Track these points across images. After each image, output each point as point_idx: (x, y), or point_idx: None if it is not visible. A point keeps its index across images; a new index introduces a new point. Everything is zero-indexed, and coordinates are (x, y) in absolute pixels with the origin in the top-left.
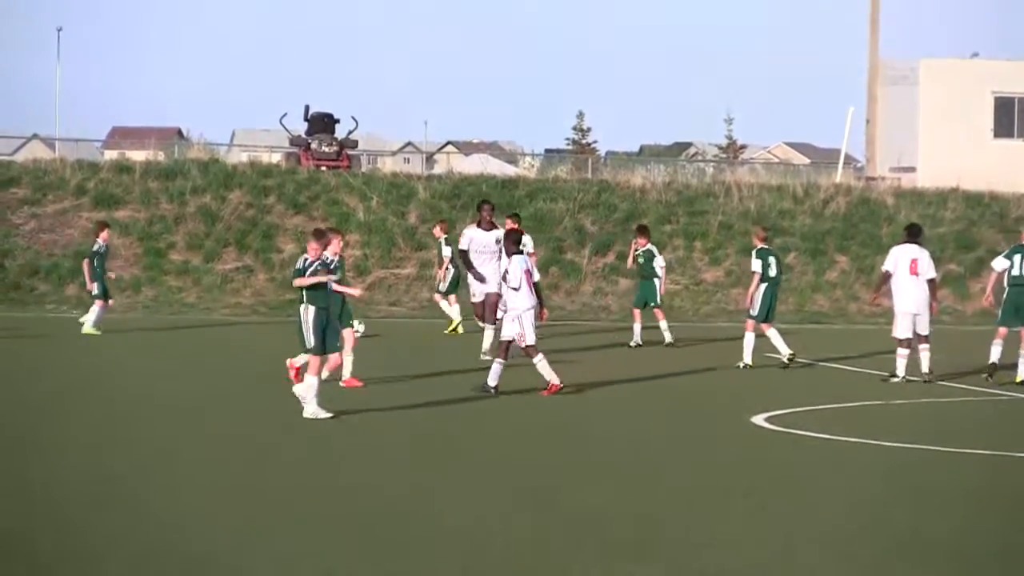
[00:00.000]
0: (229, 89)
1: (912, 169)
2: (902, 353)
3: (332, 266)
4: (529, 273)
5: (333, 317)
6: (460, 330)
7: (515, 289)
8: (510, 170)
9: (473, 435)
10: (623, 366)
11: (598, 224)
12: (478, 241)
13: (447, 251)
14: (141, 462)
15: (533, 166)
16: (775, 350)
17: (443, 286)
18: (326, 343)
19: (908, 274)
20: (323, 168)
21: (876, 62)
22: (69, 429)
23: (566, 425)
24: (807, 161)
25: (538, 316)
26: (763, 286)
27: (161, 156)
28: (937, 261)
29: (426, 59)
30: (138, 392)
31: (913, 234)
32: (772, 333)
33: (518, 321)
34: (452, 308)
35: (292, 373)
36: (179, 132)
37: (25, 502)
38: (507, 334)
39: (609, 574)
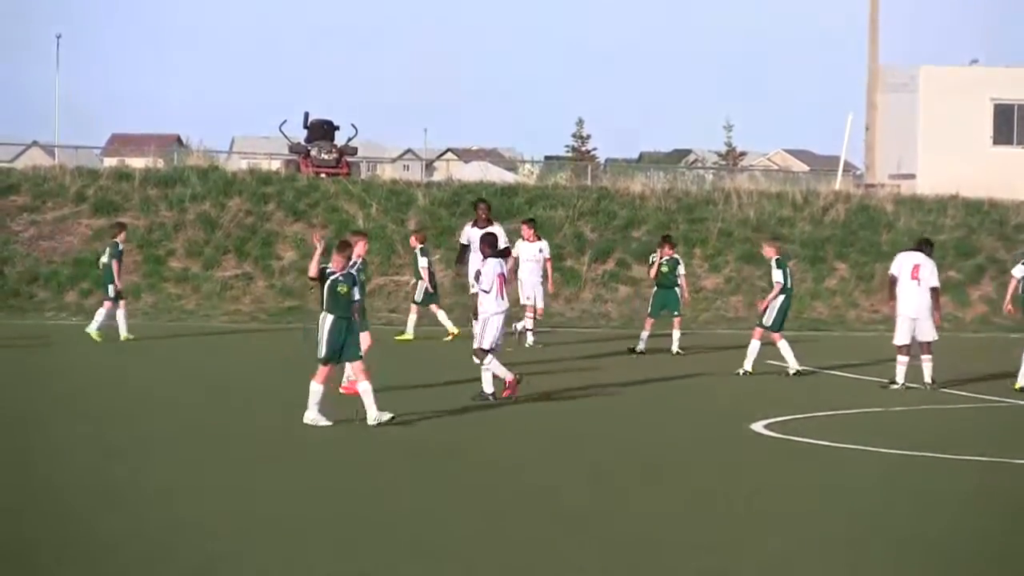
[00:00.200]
0: (228, 96)
1: (911, 176)
2: (901, 360)
3: (356, 269)
4: (503, 277)
5: (354, 326)
6: (411, 337)
7: (486, 292)
8: (509, 177)
9: (472, 439)
10: (623, 372)
11: (597, 231)
12: (474, 239)
13: (423, 261)
14: (140, 467)
15: (532, 173)
16: (780, 358)
17: (419, 296)
18: (343, 352)
19: (909, 279)
20: (322, 175)
21: (875, 69)
22: (69, 435)
23: (566, 429)
24: (806, 168)
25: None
26: (780, 296)
27: (160, 163)
28: (937, 268)
29: (425, 66)
30: (138, 398)
31: (920, 243)
32: (783, 344)
33: (484, 324)
34: (412, 318)
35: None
36: (178, 139)
37: (27, 506)
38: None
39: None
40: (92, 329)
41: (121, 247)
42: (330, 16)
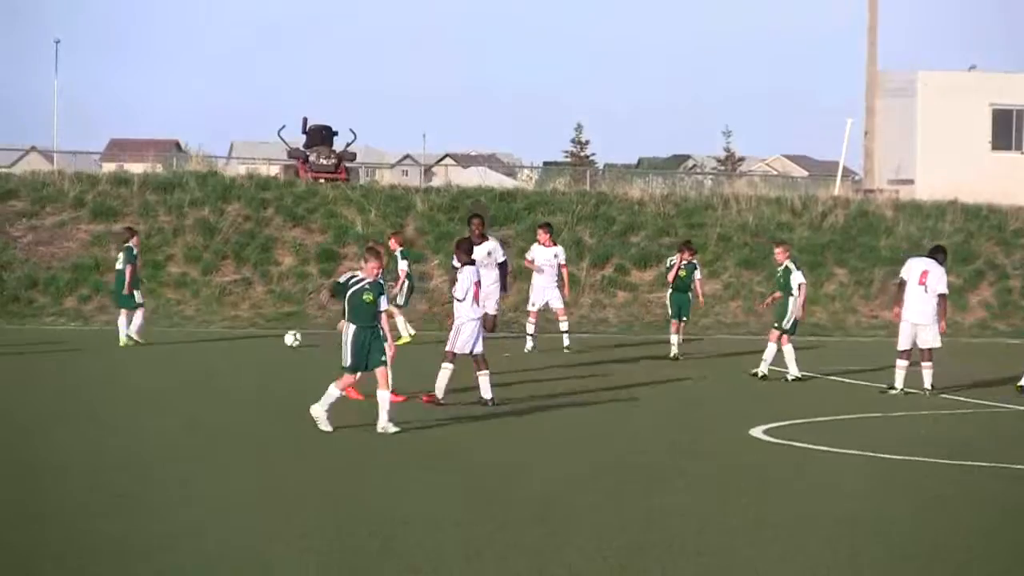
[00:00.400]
0: (227, 101)
1: (910, 181)
2: (900, 364)
3: (381, 282)
4: (479, 285)
5: (378, 334)
6: (409, 337)
7: (459, 300)
8: (508, 182)
9: (471, 442)
10: (622, 377)
11: (596, 236)
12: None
13: (403, 264)
14: (141, 472)
15: (531, 178)
16: (782, 363)
17: (401, 299)
18: (369, 360)
19: (916, 284)
20: (321, 180)
21: (874, 74)
22: (71, 439)
23: (564, 433)
24: (805, 173)
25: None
26: (791, 298)
27: (159, 168)
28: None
29: (424, 71)
30: (138, 402)
31: (934, 250)
32: (788, 349)
33: (457, 330)
34: (400, 320)
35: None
36: (177, 144)
37: (25, 510)
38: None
39: None
40: (122, 338)
41: (135, 251)
42: (329, 21)
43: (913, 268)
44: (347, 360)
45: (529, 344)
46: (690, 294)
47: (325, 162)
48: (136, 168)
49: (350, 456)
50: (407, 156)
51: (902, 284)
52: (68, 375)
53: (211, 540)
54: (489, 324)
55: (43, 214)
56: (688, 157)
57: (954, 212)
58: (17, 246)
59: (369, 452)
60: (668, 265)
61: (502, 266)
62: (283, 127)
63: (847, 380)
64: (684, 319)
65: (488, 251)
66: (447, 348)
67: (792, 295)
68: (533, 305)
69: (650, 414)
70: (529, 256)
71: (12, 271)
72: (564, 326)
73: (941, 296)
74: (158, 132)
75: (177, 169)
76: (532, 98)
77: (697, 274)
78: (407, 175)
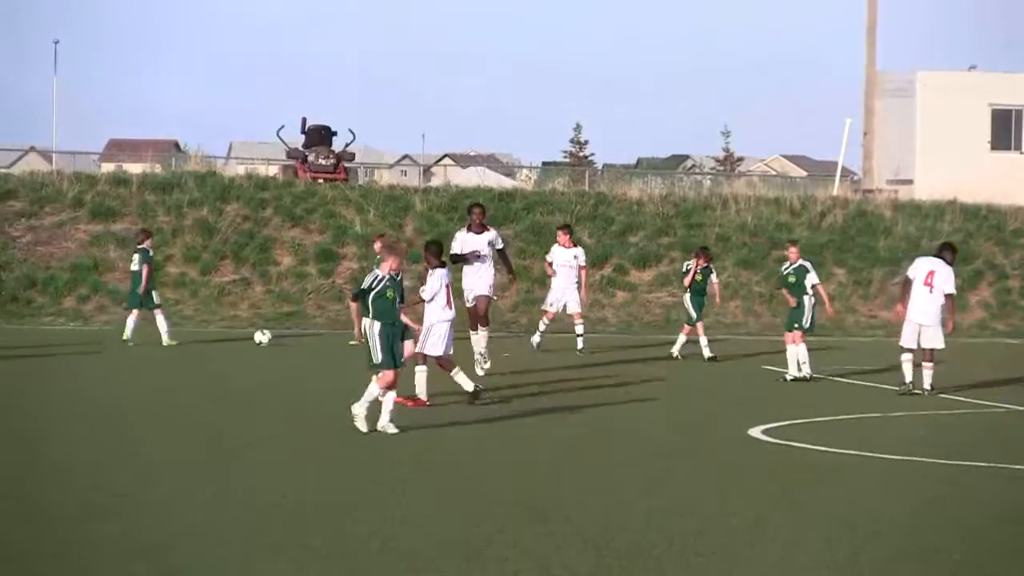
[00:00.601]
0: (226, 102)
1: (909, 182)
2: (905, 358)
3: (399, 278)
4: (450, 287)
5: (398, 330)
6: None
7: (428, 302)
8: (507, 182)
9: (470, 442)
10: (621, 377)
11: (595, 237)
12: (469, 244)
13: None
14: (142, 472)
15: (530, 178)
16: (783, 364)
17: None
18: (395, 357)
19: (922, 285)
20: (320, 181)
21: (873, 74)
22: (70, 442)
23: (565, 433)
24: (804, 173)
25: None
26: (806, 297)
27: (158, 168)
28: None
29: (423, 72)
30: (138, 404)
31: (940, 248)
32: (792, 349)
33: (427, 330)
34: None
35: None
36: (176, 145)
37: (22, 513)
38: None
39: None
40: (165, 339)
41: (151, 252)
42: (328, 22)
43: (920, 267)
44: (378, 357)
45: (536, 339)
46: (705, 297)
47: (324, 162)
48: (135, 168)
49: (350, 456)
50: (406, 156)
51: (907, 283)
52: (68, 375)
53: (211, 540)
54: (482, 306)
55: (42, 214)
56: (687, 157)
57: (953, 212)
58: (16, 246)
59: (369, 452)
60: (684, 270)
61: (502, 252)
62: (282, 127)
63: (846, 380)
64: (696, 320)
65: (488, 240)
66: (416, 349)
67: (807, 294)
68: (551, 305)
69: (648, 413)
70: (549, 258)
71: (11, 271)
72: (580, 329)
73: (948, 296)
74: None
75: (176, 169)
76: (531, 98)
77: (713, 277)
78: (406, 175)
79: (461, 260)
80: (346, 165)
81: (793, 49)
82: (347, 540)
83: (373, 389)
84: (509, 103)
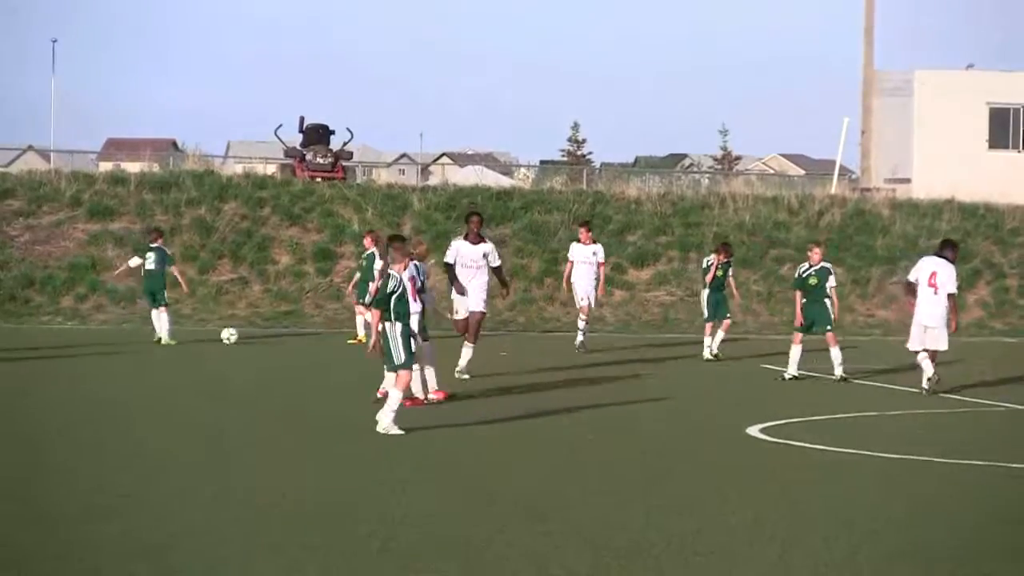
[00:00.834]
0: (224, 100)
1: (907, 180)
2: (920, 357)
3: (421, 274)
4: (414, 280)
5: (412, 331)
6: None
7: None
8: (505, 181)
9: (470, 442)
10: (620, 376)
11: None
12: (464, 254)
13: (379, 263)
14: (145, 472)
15: (528, 177)
16: (783, 364)
17: (369, 297)
18: (414, 355)
19: (926, 286)
20: (318, 179)
21: (871, 73)
22: (74, 442)
23: (561, 435)
24: (802, 172)
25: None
26: (828, 300)
27: (156, 167)
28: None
29: (421, 70)
30: (139, 404)
31: (941, 246)
32: (796, 350)
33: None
34: (361, 320)
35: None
36: (174, 143)
37: (24, 514)
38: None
39: None
40: (165, 338)
41: (168, 251)
42: (326, 21)
43: (923, 269)
44: (400, 358)
45: (580, 339)
46: (725, 293)
47: (322, 161)
48: (133, 167)
49: (350, 456)
50: (404, 155)
51: (911, 285)
52: (69, 375)
53: (211, 540)
54: (474, 322)
55: (40, 213)
56: (685, 156)
57: (951, 211)
58: (14, 245)
59: (369, 452)
60: (706, 266)
61: (497, 270)
62: (280, 126)
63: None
64: (727, 317)
65: (484, 253)
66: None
67: (828, 296)
68: (583, 300)
69: (647, 412)
70: (571, 257)
71: (9, 270)
72: (582, 324)
73: (950, 296)
74: (155, 131)
75: (174, 168)
76: (529, 97)
77: (730, 272)
78: (404, 174)
79: (452, 275)
80: (344, 164)
81: (791, 48)
82: (347, 540)
83: (395, 395)
84: (507, 102)
